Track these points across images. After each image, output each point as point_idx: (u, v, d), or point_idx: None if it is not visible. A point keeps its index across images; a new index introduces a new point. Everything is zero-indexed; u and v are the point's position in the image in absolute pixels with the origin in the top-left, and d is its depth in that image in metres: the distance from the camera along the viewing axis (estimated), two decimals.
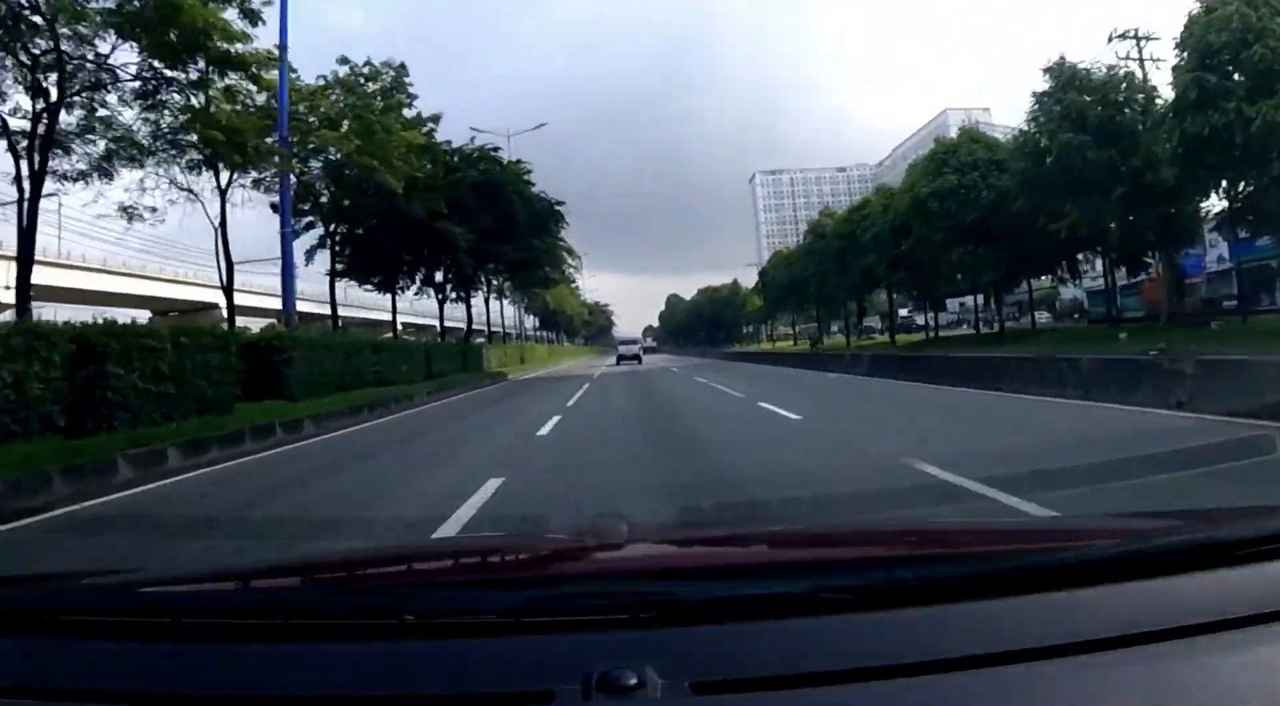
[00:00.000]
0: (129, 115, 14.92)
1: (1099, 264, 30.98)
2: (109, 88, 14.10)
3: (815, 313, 53.97)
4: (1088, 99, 22.23)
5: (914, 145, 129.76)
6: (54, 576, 1.61)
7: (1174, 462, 4.57)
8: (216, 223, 17.28)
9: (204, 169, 16.67)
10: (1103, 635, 0.85)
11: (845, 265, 37.14)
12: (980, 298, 38.21)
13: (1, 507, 5.45)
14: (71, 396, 8.69)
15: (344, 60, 21.54)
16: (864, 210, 36.88)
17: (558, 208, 31.21)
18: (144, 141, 15.22)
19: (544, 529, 3.70)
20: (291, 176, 18.42)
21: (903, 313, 59.83)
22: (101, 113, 14.31)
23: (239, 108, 16.24)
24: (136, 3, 12.79)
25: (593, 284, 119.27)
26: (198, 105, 15.37)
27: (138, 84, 14.51)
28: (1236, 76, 18.27)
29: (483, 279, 34.90)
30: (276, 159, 16.95)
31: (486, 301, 42.37)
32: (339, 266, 26.03)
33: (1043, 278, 34.69)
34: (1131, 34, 23.89)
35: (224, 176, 17.09)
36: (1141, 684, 0.79)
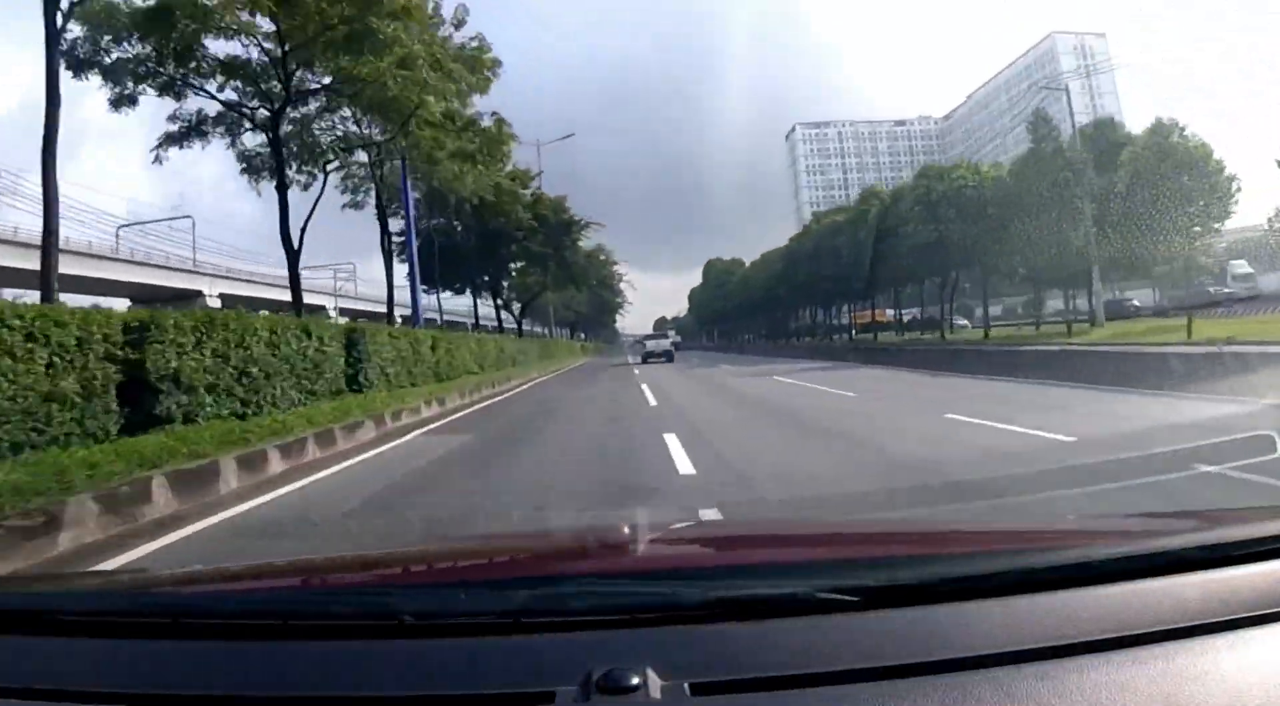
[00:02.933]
0: None
1: None
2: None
3: None
4: None
5: (1003, 83, 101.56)
6: (54, 576, 1.61)
7: (1172, 462, 4.56)
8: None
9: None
10: (1103, 635, 0.85)
11: None
12: None
13: None
14: None
15: None
16: None
17: None
18: None
19: (544, 529, 3.70)
20: None
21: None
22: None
23: None
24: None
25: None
26: None
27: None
28: None
29: None
30: None
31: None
32: None
33: None
34: None
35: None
36: (1142, 684, 0.79)
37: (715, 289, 75.35)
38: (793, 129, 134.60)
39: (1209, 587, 0.94)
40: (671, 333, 47.70)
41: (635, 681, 0.80)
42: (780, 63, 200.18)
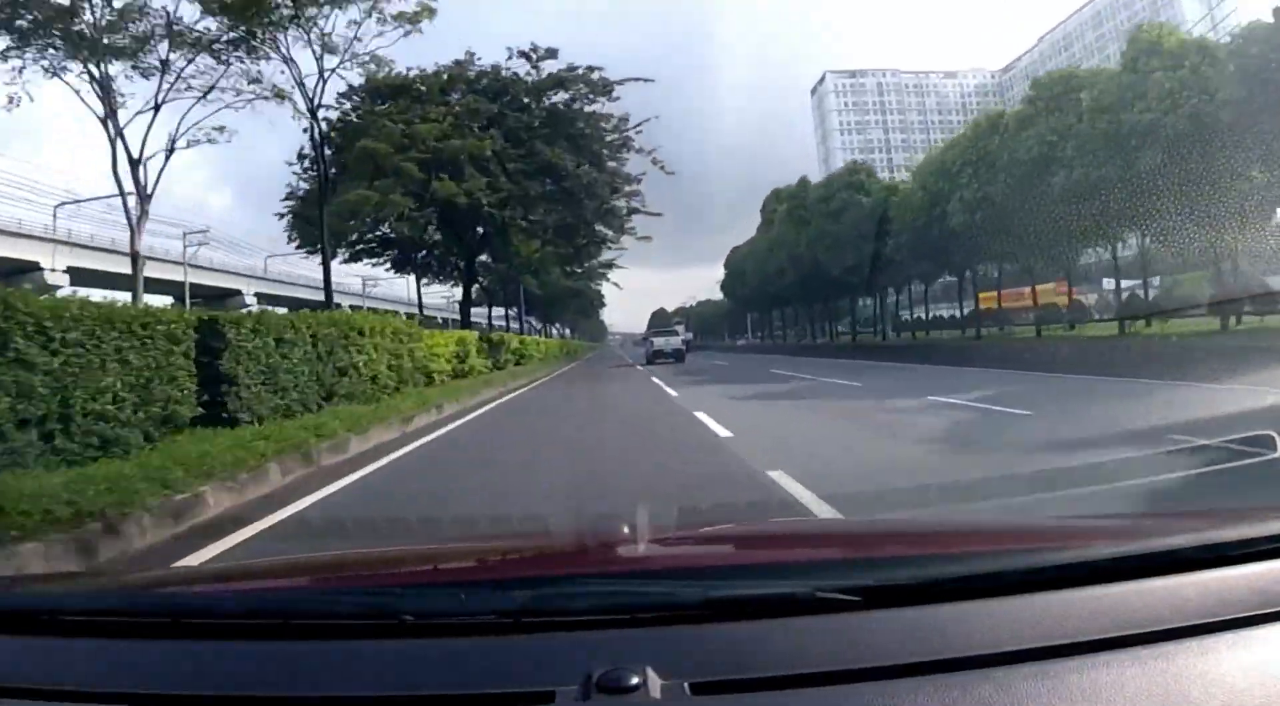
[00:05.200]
0: None
1: None
2: None
3: None
4: None
5: (1090, 18, 78.16)
6: (54, 576, 1.61)
7: (1172, 462, 4.56)
8: None
9: None
10: (1103, 635, 0.85)
11: None
12: None
13: None
14: None
15: None
16: None
17: None
18: None
19: (544, 529, 3.70)
20: None
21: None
22: None
23: None
24: None
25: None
26: None
27: None
28: None
29: None
30: None
31: None
32: None
33: None
34: None
35: None
36: (1142, 684, 0.79)
37: (827, 219, 30.68)
38: (822, 78, 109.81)
39: (1208, 587, 0.94)
40: (680, 328, 39.81)
41: (635, 681, 0.80)
42: (797, 15, 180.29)
